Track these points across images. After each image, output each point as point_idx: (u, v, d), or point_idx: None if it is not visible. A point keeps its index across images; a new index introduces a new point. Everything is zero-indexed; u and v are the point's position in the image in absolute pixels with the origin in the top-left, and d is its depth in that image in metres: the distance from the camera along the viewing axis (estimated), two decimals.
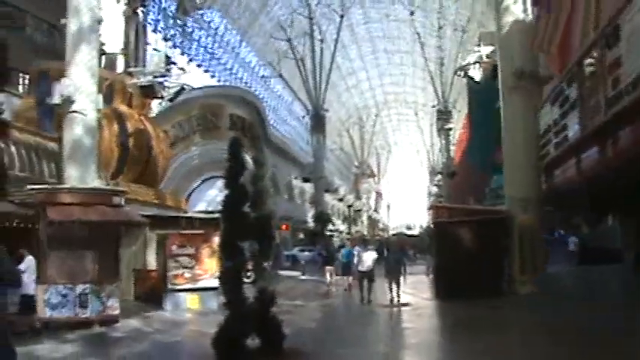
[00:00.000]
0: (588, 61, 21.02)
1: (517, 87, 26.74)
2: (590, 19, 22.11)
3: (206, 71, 72.32)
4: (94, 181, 24.95)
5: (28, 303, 19.29)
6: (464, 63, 41.89)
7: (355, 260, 29.09)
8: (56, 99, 24.96)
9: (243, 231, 12.11)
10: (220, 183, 48.26)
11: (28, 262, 19.55)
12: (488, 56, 35.34)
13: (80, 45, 25.40)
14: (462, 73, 41.74)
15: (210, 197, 56.50)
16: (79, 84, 24.87)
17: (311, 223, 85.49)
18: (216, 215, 16.44)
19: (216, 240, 21.99)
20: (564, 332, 16.75)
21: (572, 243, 45.40)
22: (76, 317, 20.45)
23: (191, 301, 25.39)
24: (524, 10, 28.72)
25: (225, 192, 12.50)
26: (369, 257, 27.29)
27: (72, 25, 25.68)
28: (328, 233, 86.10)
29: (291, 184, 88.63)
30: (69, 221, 20.46)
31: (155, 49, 43.94)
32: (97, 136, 25.87)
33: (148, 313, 24.00)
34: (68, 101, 24.64)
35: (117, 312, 21.60)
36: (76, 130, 24.80)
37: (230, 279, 11.81)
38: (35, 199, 21.56)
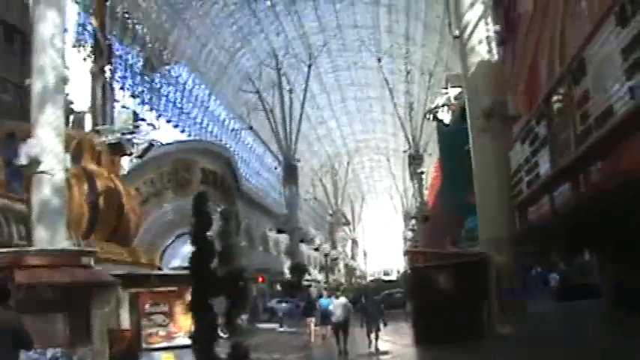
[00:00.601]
0: (556, 97, 21.02)
1: (486, 127, 26.64)
2: (555, 55, 22.15)
3: (176, 126, 72.28)
4: (64, 242, 24.66)
5: None
6: (432, 106, 41.91)
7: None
8: (23, 160, 24.77)
9: (212, 287, 11.80)
10: None
11: None
12: (456, 98, 35.42)
13: (45, 105, 25.33)
14: (431, 116, 41.81)
15: (185, 253, 55.45)
16: (46, 144, 24.77)
17: (288, 274, 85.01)
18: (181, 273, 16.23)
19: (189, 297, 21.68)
20: None
21: (553, 279, 45.27)
22: None
23: (165, 359, 24.89)
24: (490, 51, 28.70)
25: (192, 248, 12.22)
26: (339, 306, 26.56)
27: (37, 85, 25.71)
28: (305, 283, 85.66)
29: (265, 236, 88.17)
30: (37, 284, 20.04)
31: (123, 107, 43.75)
32: (65, 196, 25.61)
33: None
34: (35, 162, 24.46)
35: None
36: (44, 190, 24.69)
37: (201, 337, 11.46)
38: (2, 262, 21.13)
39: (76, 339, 20.80)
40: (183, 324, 24.72)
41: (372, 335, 25.58)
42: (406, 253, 30.85)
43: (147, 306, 25.25)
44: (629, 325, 27.01)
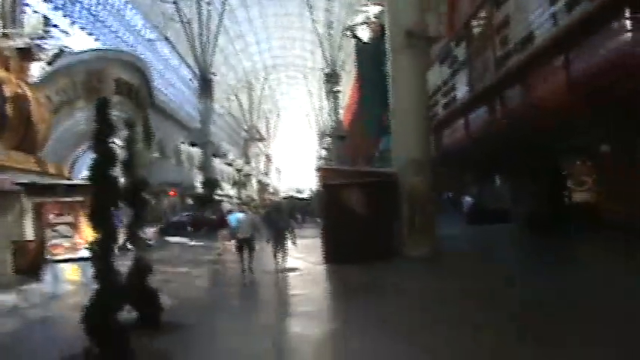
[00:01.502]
0: (477, 20, 20.91)
1: (406, 47, 26.30)
2: None
3: (90, 34, 70.04)
4: None
5: None
6: (352, 23, 41.44)
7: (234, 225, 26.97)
8: None
9: (113, 197, 11.32)
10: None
11: None
12: (376, 16, 34.99)
13: None
14: (350, 34, 41.34)
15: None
16: None
17: (200, 189, 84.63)
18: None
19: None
20: (456, 295, 16.52)
21: (466, 203, 45.81)
22: None
23: (71, 272, 24.33)
24: None
25: (93, 156, 11.68)
26: (245, 221, 25.14)
27: None
28: (218, 198, 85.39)
29: (178, 149, 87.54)
30: None
31: (35, 12, 42.11)
32: None
33: (25, 287, 22.82)
34: None
35: None
36: None
37: (99, 249, 11.03)
38: None
39: None
40: (89, 235, 24.22)
41: (280, 255, 24.62)
42: (318, 169, 30.29)
43: (51, 216, 24.61)
44: (537, 244, 27.74)
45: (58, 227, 24.52)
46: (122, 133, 14.00)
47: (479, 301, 15.36)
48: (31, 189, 26.50)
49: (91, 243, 11.21)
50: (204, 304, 18.30)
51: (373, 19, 34.91)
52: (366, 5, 37.68)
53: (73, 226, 24.94)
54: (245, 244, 24.22)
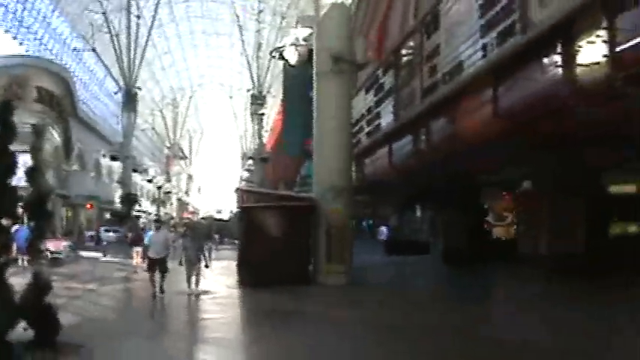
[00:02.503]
0: (406, 49, 20.72)
1: (332, 70, 25.93)
2: (410, 5, 21.81)
3: (14, 39, 68.57)
4: None
5: None
6: (280, 44, 41.09)
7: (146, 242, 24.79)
8: None
9: (8, 207, 10.62)
10: (23, 158, 46.17)
11: None
12: (305, 39, 34.56)
13: None
14: (277, 55, 40.93)
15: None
16: None
17: (118, 204, 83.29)
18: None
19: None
20: (375, 327, 16.16)
21: (382, 233, 45.70)
22: None
23: None
24: None
25: None
26: (158, 240, 23.17)
27: None
28: (135, 214, 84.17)
29: (98, 162, 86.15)
30: None
31: None
32: None
33: None
34: None
35: None
36: None
37: None
38: None
39: None
40: None
41: (193, 279, 23.09)
42: (237, 191, 29.65)
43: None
44: (450, 275, 27.70)
45: None
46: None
47: (380, 329, 15.15)
48: None
49: None
50: (109, 326, 17.38)
51: (302, 42, 34.46)
52: (295, 28, 37.30)
53: None
54: (157, 265, 22.55)
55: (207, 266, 23.56)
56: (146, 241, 25.17)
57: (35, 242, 12.39)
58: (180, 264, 23.40)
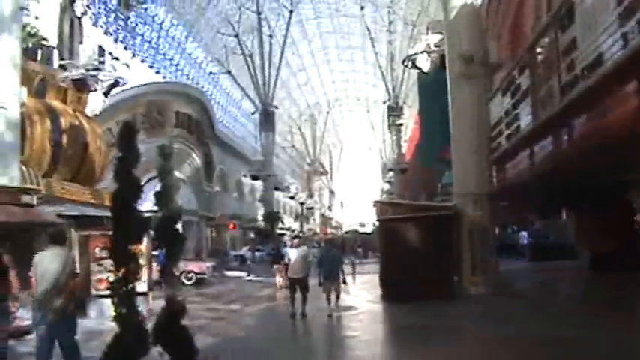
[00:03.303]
0: (541, 45, 19.84)
1: (466, 73, 25.27)
2: (542, 3, 21.00)
3: (150, 67, 70.31)
4: (17, 180, 23.37)
5: None
6: (411, 52, 40.44)
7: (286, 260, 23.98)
8: None
9: (136, 231, 10.40)
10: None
11: None
12: (436, 45, 33.93)
13: (0, 34, 23.77)
14: (410, 63, 40.33)
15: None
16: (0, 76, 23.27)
17: (261, 222, 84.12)
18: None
19: (144, 242, 20.22)
20: (524, 343, 15.20)
21: (523, 237, 44.54)
22: None
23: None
24: None
25: (115, 186, 10.79)
26: (297, 258, 22.18)
27: None
28: (279, 232, 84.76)
29: (240, 182, 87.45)
30: None
31: (95, 44, 41.95)
32: (19, 131, 24.29)
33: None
34: None
35: (28, 322, 19.67)
36: None
37: (120, 288, 10.12)
38: None
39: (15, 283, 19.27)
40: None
41: (332, 296, 21.57)
42: (375, 204, 29.09)
43: (97, 250, 23.67)
44: (604, 283, 26.23)
45: (104, 261, 23.44)
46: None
47: (531, 347, 14.17)
48: (80, 221, 25.78)
49: (112, 282, 10.37)
50: (249, 347, 17.16)
51: (433, 48, 33.86)
52: (426, 34, 36.70)
53: None
54: (297, 285, 21.88)
55: (344, 282, 22.13)
56: (286, 259, 24.64)
57: (168, 267, 12.17)
58: (321, 283, 21.85)
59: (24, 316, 19.44)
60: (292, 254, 22.84)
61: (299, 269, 21.96)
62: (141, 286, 17.99)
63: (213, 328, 17.79)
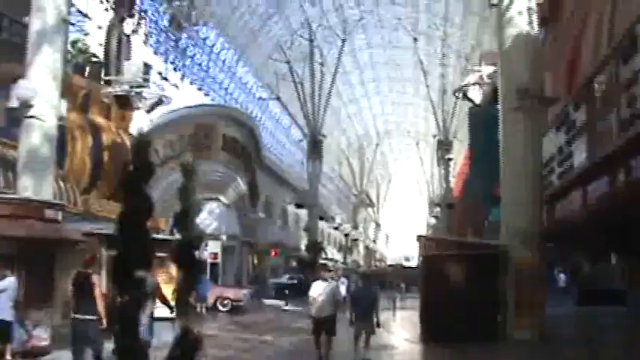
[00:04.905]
0: (600, 79, 18.83)
1: (519, 108, 24.39)
2: (602, 36, 20.02)
3: (200, 89, 70.05)
4: (50, 194, 22.97)
5: (2, 330, 16.86)
6: (463, 84, 39.65)
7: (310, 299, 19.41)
8: (13, 102, 23.08)
9: (143, 255, 9.47)
10: (211, 206, 46.04)
11: (8, 283, 16.94)
12: (489, 77, 33.16)
13: (42, 45, 23.61)
14: (461, 95, 39.55)
15: (199, 221, 54.47)
16: (39, 87, 22.94)
17: (304, 251, 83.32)
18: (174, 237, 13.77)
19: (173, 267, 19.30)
20: None
21: (561, 280, 43.56)
22: None
23: None
24: (530, 23, 26.14)
25: (124, 204, 9.90)
26: (322, 294, 18.92)
27: (35, 24, 24.09)
28: (322, 262, 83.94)
29: (285, 210, 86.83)
30: None
31: (141, 62, 41.64)
32: (54, 145, 23.91)
33: None
34: (25, 105, 22.70)
35: (44, 343, 18.93)
36: (33, 136, 23.17)
37: (123, 319, 9.18)
38: None
39: (30, 301, 18.56)
40: (166, 294, 22.36)
41: (362, 339, 19.26)
42: (419, 238, 27.85)
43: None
44: None
45: None
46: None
47: None
48: (111, 241, 25.10)
49: (114, 312, 9.50)
50: None
51: (486, 80, 33.06)
52: (478, 65, 35.88)
53: None
54: (321, 326, 18.77)
55: (378, 325, 19.67)
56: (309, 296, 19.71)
57: (182, 293, 11.16)
58: (352, 323, 19.38)
59: (41, 335, 18.83)
60: (317, 289, 19.29)
61: (324, 307, 18.77)
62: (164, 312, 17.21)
63: None
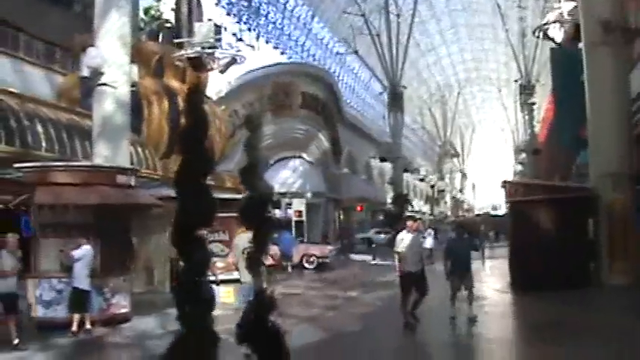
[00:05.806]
0: None
1: (603, 42, 23.25)
2: None
3: (275, 48, 69.58)
4: (126, 161, 22.78)
5: (80, 299, 16.76)
6: (543, 22, 38.28)
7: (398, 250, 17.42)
8: (84, 71, 22.87)
9: (204, 214, 8.82)
10: (293, 163, 45.82)
11: (84, 252, 16.88)
12: (570, 13, 31.84)
13: (109, 11, 23.31)
14: (542, 34, 38.19)
15: (283, 179, 54.46)
16: (108, 54, 22.69)
17: (390, 205, 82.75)
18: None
19: None
20: None
21: None
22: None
23: (224, 294, 21.79)
24: None
25: (182, 158, 9.25)
26: (408, 246, 17.19)
27: None
28: (408, 215, 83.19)
29: (369, 164, 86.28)
30: (60, 205, 17.72)
31: (209, 19, 41.28)
32: (128, 111, 23.66)
33: (171, 310, 20.67)
34: (96, 73, 22.43)
35: (124, 310, 18.65)
36: (105, 104, 22.87)
37: (184, 282, 8.56)
38: (27, 178, 18.84)
39: (108, 269, 18.29)
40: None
41: (459, 294, 17.80)
42: (504, 184, 26.72)
43: (204, 233, 22.51)
44: None
45: (211, 245, 22.18)
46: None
47: None
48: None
49: (175, 275, 8.97)
50: (357, 346, 15.28)
51: (566, 17, 31.75)
52: (558, 2, 34.52)
53: (228, 244, 22.92)
54: (412, 282, 17.03)
55: (471, 287, 18.06)
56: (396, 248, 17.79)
57: (255, 253, 10.56)
58: (448, 276, 17.90)
59: (120, 303, 18.62)
60: (405, 240, 17.45)
61: (411, 261, 17.16)
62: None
63: (324, 321, 16.36)
